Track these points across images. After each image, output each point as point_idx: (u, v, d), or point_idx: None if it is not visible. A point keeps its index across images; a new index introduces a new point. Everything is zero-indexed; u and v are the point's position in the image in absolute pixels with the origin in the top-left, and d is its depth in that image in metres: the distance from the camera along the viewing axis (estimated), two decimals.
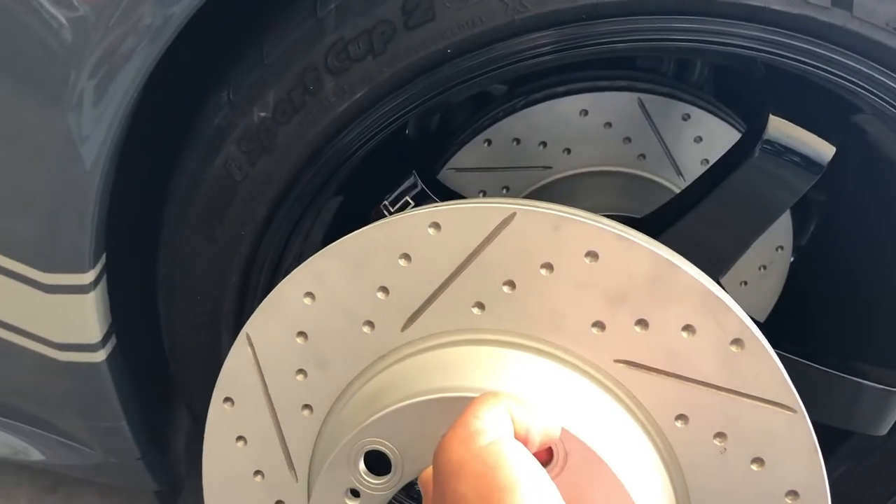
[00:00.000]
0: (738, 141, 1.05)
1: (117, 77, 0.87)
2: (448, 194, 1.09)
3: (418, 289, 0.75)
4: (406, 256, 0.75)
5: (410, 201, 1.02)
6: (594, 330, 0.73)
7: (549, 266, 0.73)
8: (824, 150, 0.98)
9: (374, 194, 1.08)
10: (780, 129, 0.98)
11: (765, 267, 1.31)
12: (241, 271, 1.05)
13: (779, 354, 1.17)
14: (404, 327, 0.77)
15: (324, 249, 0.81)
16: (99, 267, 1.06)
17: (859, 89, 0.88)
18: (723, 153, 1.10)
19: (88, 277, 1.06)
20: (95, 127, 0.92)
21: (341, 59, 0.86)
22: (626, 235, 0.75)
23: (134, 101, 0.89)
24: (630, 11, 0.85)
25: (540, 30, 0.88)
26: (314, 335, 0.79)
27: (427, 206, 0.79)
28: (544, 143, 1.23)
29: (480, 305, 0.74)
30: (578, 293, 0.72)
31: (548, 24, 0.88)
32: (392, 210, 1.03)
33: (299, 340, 0.79)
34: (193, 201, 1.02)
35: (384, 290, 0.76)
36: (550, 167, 1.25)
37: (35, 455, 1.30)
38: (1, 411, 1.28)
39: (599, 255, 0.71)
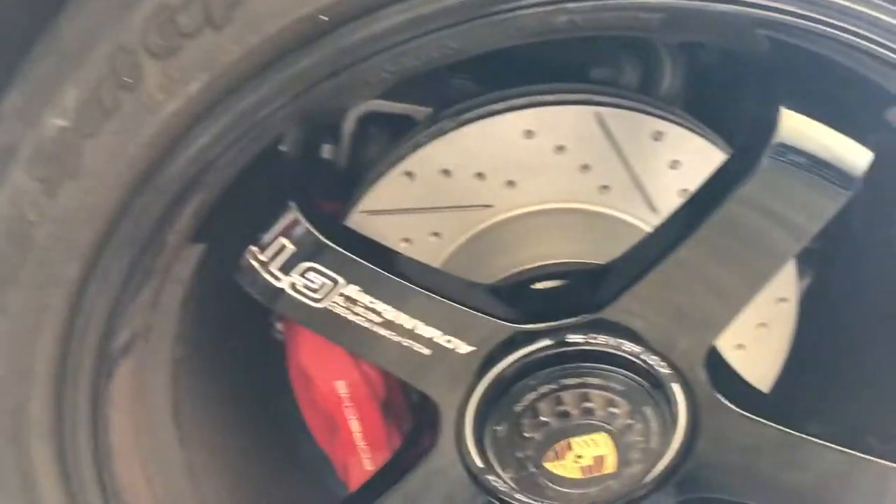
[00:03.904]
0: (735, 151, 0.75)
1: None
2: (342, 234, 0.77)
3: None
4: None
5: (288, 245, 0.69)
6: None
7: None
8: (858, 157, 0.69)
9: (249, 239, 0.75)
10: (796, 127, 0.68)
11: (765, 325, 1.01)
12: (51, 356, 0.71)
13: (803, 440, 0.87)
14: None
15: None
16: None
17: None
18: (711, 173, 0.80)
19: None
20: None
21: (167, 34, 0.54)
22: None
23: None
24: None
25: None
26: None
27: None
28: (481, 175, 0.92)
29: None
30: None
31: None
32: (262, 259, 0.70)
33: None
34: None
35: None
36: (491, 206, 0.93)
37: None
38: None
39: None
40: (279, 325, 1.05)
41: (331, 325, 0.77)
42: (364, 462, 1.03)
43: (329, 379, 0.97)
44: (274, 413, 1.14)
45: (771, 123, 0.70)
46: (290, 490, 1.17)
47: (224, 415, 1.09)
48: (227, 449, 1.08)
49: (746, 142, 0.77)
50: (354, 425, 1.00)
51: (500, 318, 0.82)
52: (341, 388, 0.98)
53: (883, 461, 0.84)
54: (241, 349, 1.10)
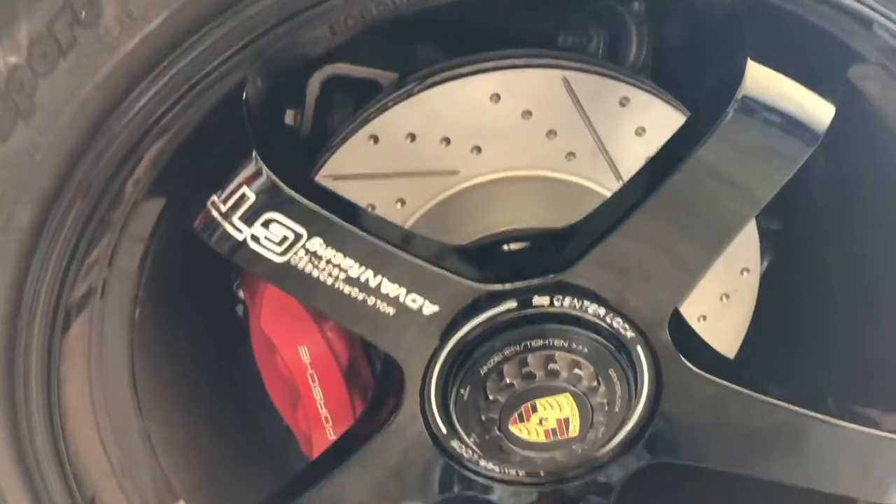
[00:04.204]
0: (696, 111, 0.74)
1: None
2: (305, 185, 0.75)
3: None
4: None
5: (250, 194, 0.68)
6: None
7: None
8: (822, 111, 0.69)
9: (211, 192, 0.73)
10: (762, 80, 0.68)
11: (727, 296, 1.01)
12: (3, 306, 0.68)
13: (764, 402, 0.87)
14: None
15: None
16: None
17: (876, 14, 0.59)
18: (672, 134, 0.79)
19: None
20: None
21: None
22: None
23: None
24: None
25: None
26: None
27: None
28: (447, 140, 0.91)
29: None
30: None
31: None
32: (222, 209, 0.68)
33: None
34: None
35: None
36: (456, 172, 0.92)
37: None
38: None
39: None
40: (241, 293, 1.03)
41: (293, 281, 0.75)
42: (328, 433, 1.01)
43: (292, 345, 0.95)
44: (236, 387, 1.12)
45: (735, 78, 0.70)
46: (251, 467, 1.15)
47: (184, 385, 1.06)
48: (186, 420, 1.05)
49: (709, 100, 0.76)
50: (317, 393, 0.98)
51: (465, 278, 0.80)
52: (304, 354, 0.96)
53: (843, 423, 0.84)
54: (203, 317, 1.07)
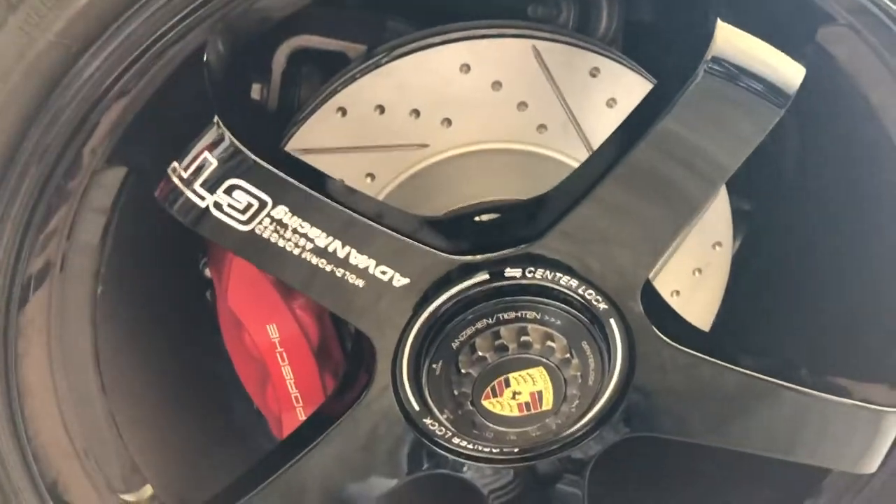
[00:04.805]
0: (664, 77, 0.73)
1: None
2: (269, 151, 0.73)
3: None
4: None
5: (212, 160, 0.65)
6: None
7: None
8: (793, 72, 0.68)
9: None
10: (732, 41, 0.67)
11: (700, 271, 1.00)
12: None
13: (738, 373, 0.86)
14: None
15: None
16: None
17: None
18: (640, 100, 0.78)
19: None
20: None
21: None
22: None
23: None
24: None
25: None
26: None
27: None
28: (416, 112, 0.89)
29: None
30: None
31: None
32: (184, 175, 0.66)
33: None
34: None
35: None
36: (427, 145, 0.91)
37: None
38: None
39: None
40: (208, 272, 1.01)
41: (258, 251, 0.73)
42: (298, 414, 0.99)
43: (260, 323, 0.93)
44: (204, 367, 1.10)
45: (704, 42, 0.69)
46: (220, 449, 1.13)
47: (151, 364, 1.03)
48: (153, 401, 1.03)
49: (678, 65, 0.75)
50: (287, 373, 0.96)
51: (436, 249, 0.79)
52: (273, 332, 0.94)
53: (817, 392, 0.84)
54: (170, 294, 1.05)
